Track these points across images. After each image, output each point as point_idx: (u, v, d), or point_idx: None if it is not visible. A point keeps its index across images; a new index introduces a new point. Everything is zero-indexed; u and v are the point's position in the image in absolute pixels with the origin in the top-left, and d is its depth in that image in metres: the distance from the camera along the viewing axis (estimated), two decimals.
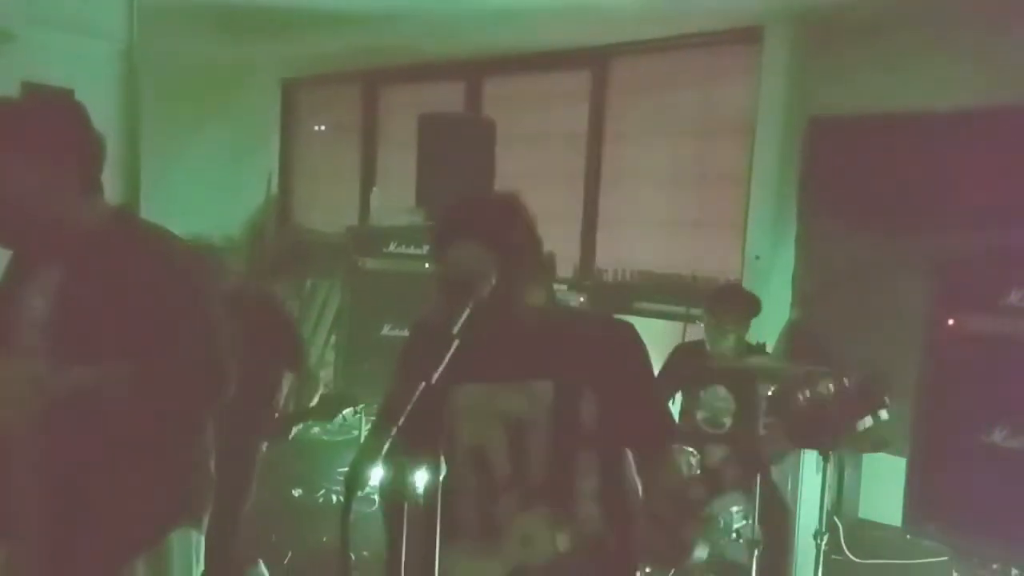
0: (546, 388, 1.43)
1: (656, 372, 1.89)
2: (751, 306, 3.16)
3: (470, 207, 1.44)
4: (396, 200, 4.60)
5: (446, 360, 1.06)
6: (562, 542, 1.39)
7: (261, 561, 3.41)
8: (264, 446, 3.01)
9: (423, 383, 1.05)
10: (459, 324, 1.11)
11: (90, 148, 1.64)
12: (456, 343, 1.08)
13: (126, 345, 1.55)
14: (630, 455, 1.52)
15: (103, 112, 1.69)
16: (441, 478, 1.54)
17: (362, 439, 4.25)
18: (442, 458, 1.58)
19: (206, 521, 1.79)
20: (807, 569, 2.88)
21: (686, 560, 1.33)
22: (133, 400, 1.55)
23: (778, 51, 3.93)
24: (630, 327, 1.54)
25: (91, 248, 1.60)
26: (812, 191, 3.97)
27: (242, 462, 2.93)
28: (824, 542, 2.73)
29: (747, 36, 4.04)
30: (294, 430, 3.12)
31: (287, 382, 3.17)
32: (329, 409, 3.04)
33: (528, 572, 1.39)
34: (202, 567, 1.79)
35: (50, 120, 1.59)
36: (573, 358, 1.46)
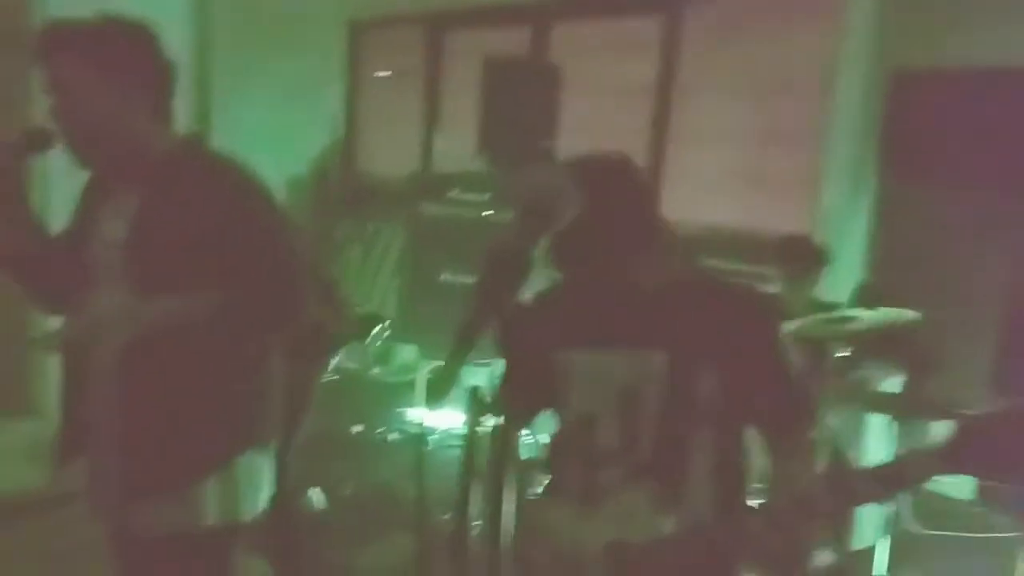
0: (660, 360, 1.35)
1: None
2: (820, 257, 3.06)
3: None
4: (459, 146, 4.56)
5: (519, 288, 1.03)
6: (665, 523, 1.32)
7: (319, 488, 3.52)
8: (318, 380, 3.11)
9: (495, 311, 1.02)
10: (535, 250, 1.06)
11: (163, 75, 1.66)
12: (532, 270, 1.05)
13: (203, 271, 1.57)
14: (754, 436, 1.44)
15: (175, 46, 1.68)
16: (548, 437, 1.54)
17: (419, 382, 4.32)
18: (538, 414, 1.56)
19: (272, 445, 1.83)
20: (872, 537, 2.83)
21: (800, 570, 1.26)
22: (218, 327, 1.57)
23: None
24: (759, 294, 1.47)
25: (165, 174, 1.62)
26: (893, 147, 3.78)
27: (298, 394, 3.04)
28: (892, 511, 2.67)
29: None
30: (335, 359, 3.17)
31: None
32: (361, 327, 3.09)
33: (625, 547, 1.32)
34: (269, 491, 1.83)
35: (124, 44, 1.59)
36: (692, 327, 1.36)
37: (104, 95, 1.54)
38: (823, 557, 1.25)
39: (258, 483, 1.78)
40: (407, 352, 4.90)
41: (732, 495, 1.40)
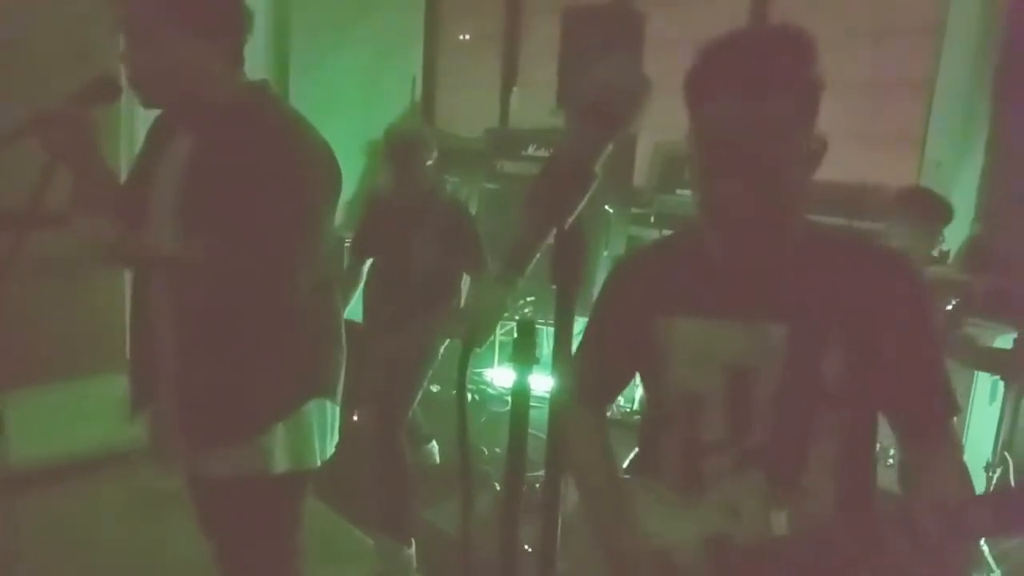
0: (779, 333, 1.16)
1: None
2: (944, 212, 2.84)
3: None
4: (537, 103, 4.47)
5: (582, 204, 0.91)
6: (778, 522, 1.13)
7: (434, 441, 3.59)
8: (444, 342, 3.08)
9: (554, 228, 0.90)
10: (600, 160, 0.91)
11: (241, 24, 1.63)
12: (596, 182, 0.92)
13: (226, 216, 1.53)
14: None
15: (255, 8, 1.65)
16: (640, 412, 1.41)
17: (496, 342, 4.30)
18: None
19: (339, 392, 1.80)
20: None
21: None
22: (205, 278, 1.55)
23: None
24: (906, 262, 1.22)
25: (223, 118, 1.59)
26: (1009, 93, 3.47)
27: (420, 354, 3.03)
28: (996, 476, 2.48)
29: None
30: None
31: (466, 283, 3.23)
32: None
33: (729, 543, 1.16)
34: (337, 437, 1.82)
35: None
36: (818, 295, 1.16)
37: (176, 36, 1.53)
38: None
39: (327, 430, 1.77)
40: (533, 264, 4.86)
41: (858, 493, 1.21)
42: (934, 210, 2.83)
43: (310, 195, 1.59)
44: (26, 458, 2.12)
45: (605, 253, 3.85)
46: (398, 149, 2.99)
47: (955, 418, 1.21)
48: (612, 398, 1.51)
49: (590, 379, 1.39)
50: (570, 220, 0.91)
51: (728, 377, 1.20)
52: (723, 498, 1.18)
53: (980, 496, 1.09)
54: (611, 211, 3.83)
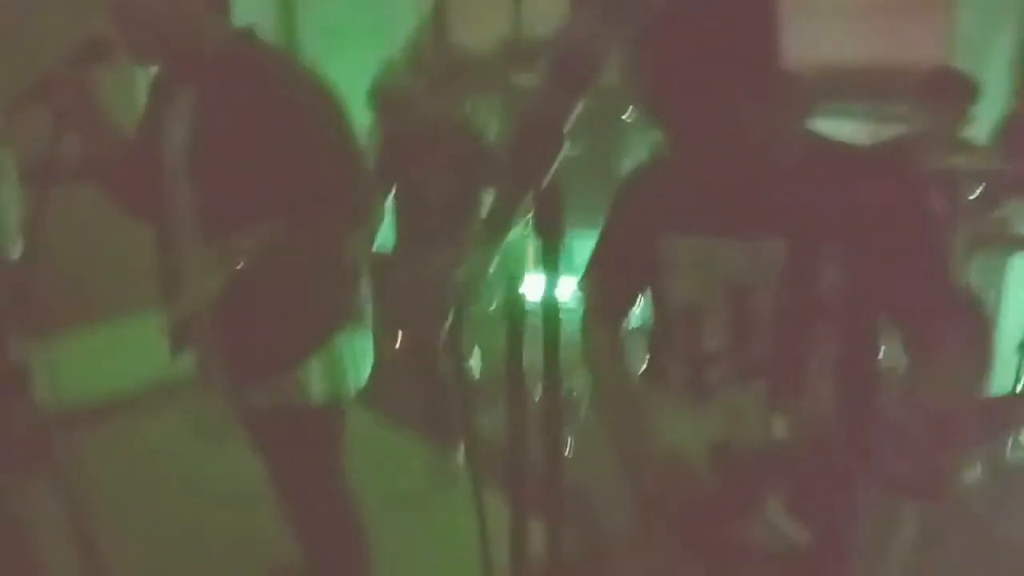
0: (776, 248, 1.18)
1: None
2: (970, 91, 2.72)
3: None
4: (551, 8, 4.32)
5: (556, 163, 0.88)
6: (778, 426, 1.17)
7: (476, 351, 3.66)
8: (460, 270, 3.10)
9: (530, 190, 0.88)
10: (570, 121, 0.88)
11: None
12: (566, 145, 0.88)
13: (263, 170, 1.56)
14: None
15: None
16: (640, 324, 1.41)
17: (528, 256, 4.30)
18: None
19: (367, 319, 1.87)
20: (1006, 384, 2.62)
21: (942, 495, 1.02)
22: (293, 246, 1.61)
23: None
24: (902, 167, 1.22)
25: (219, 69, 1.59)
26: None
27: (445, 277, 3.08)
28: None
29: None
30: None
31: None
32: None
33: (733, 450, 1.20)
34: (371, 365, 1.88)
35: None
36: (814, 207, 1.16)
37: None
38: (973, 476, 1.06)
39: (359, 357, 1.83)
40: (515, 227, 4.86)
41: (859, 401, 1.24)
42: (957, 89, 2.71)
43: (323, 131, 1.61)
44: (77, 397, 2.23)
45: (623, 164, 3.80)
46: (383, 112, 3.03)
47: (967, 320, 1.19)
48: (625, 312, 1.55)
49: (602, 294, 1.42)
50: (546, 180, 0.89)
51: (727, 292, 1.23)
52: (726, 405, 1.23)
53: (968, 403, 1.09)
54: (630, 120, 3.75)
